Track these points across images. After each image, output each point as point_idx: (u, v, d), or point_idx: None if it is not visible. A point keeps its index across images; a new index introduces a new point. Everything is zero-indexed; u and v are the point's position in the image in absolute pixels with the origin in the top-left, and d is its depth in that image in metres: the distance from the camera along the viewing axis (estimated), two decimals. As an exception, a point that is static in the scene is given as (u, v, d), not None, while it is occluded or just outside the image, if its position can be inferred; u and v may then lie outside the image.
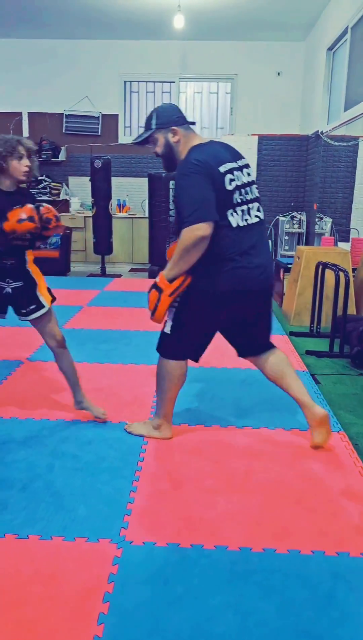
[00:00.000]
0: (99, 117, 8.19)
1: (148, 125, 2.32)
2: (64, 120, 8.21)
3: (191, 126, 2.36)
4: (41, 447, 2.42)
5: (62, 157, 8.32)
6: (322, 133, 6.54)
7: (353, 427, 2.73)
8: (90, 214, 7.67)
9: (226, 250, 2.20)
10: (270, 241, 7.67)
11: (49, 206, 2.38)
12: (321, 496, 2.10)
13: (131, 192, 8.38)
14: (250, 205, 2.27)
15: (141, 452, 2.39)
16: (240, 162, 2.29)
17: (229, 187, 2.18)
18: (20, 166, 2.34)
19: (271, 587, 1.61)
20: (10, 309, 2.60)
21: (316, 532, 1.87)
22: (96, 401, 2.93)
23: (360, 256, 5.13)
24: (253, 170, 8.01)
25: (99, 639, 1.40)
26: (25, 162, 2.35)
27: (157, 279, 2.25)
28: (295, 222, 7.47)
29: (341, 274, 3.95)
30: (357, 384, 3.38)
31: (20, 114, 8.29)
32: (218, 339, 2.57)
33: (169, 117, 2.28)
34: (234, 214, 2.20)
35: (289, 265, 5.34)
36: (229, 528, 1.88)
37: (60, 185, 8.42)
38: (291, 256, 6.39)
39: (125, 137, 8.22)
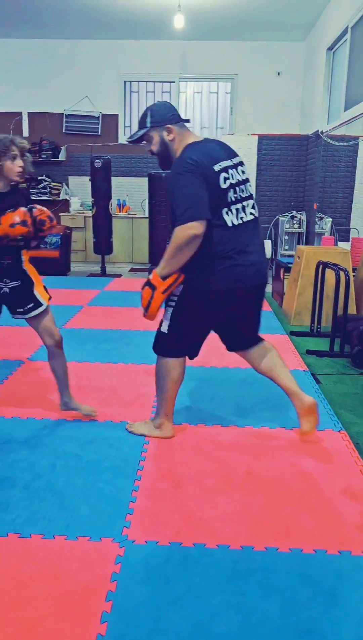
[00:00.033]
0: (99, 117, 8.19)
1: (142, 124, 2.33)
2: (64, 120, 8.21)
3: (188, 125, 2.37)
4: (43, 446, 2.43)
5: (62, 157, 8.32)
6: (322, 133, 6.55)
7: (353, 427, 2.73)
8: (90, 213, 7.68)
9: (223, 249, 2.22)
10: (270, 240, 7.67)
11: (42, 207, 2.36)
12: (322, 495, 2.10)
13: (131, 192, 8.38)
14: (245, 203, 2.29)
15: (143, 452, 2.40)
16: (235, 160, 2.30)
17: (223, 186, 2.20)
18: (14, 167, 2.32)
19: (273, 586, 1.61)
20: (4, 309, 2.59)
21: (317, 531, 1.87)
22: (97, 400, 2.94)
23: (360, 256, 5.13)
24: (253, 170, 7.96)
25: (102, 637, 1.40)
26: (19, 162, 2.33)
27: (150, 276, 2.26)
28: (295, 221, 7.47)
29: (341, 274, 3.96)
30: (358, 383, 3.38)
31: (20, 113, 8.29)
32: (215, 339, 2.58)
33: (164, 115, 2.29)
34: (229, 212, 2.22)
35: (289, 265, 5.35)
36: (231, 527, 1.88)
37: (60, 185, 8.42)
38: (292, 256, 6.40)
39: (125, 137, 8.21)
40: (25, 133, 8.33)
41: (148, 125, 2.30)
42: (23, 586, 1.58)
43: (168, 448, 2.45)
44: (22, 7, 6.73)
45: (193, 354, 2.48)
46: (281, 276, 5.57)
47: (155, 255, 7.23)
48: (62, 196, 8.38)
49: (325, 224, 6.92)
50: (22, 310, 2.52)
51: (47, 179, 8.32)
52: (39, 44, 8.02)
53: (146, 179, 7.67)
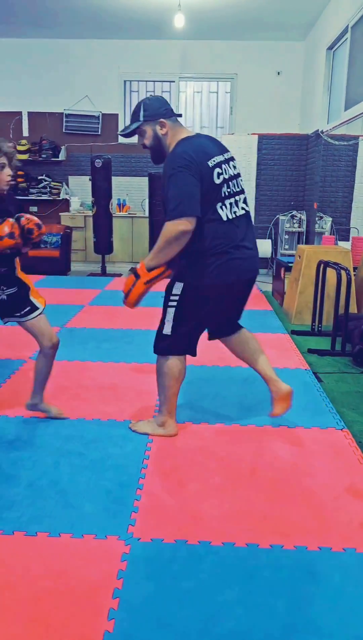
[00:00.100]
0: (99, 116, 8.19)
1: (135, 117, 2.34)
2: (64, 119, 8.21)
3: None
4: (46, 445, 2.43)
5: (62, 156, 8.32)
6: (322, 132, 6.56)
7: (356, 425, 2.74)
8: (90, 213, 7.68)
9: (220, 243, 2.25)
10: (270, 240, 7.68)
11: (30, 216, 2.33)
12: (326, 493, 2.11)
13: (131, 192, 8.39)
14: (237, 198, 2.33)
15: (146, 450, 2.40)
16: (226, 155, 2.33)
17: (217, 181, 2.23)
18: (3, 176, 2.30)
19: (279, 583, 1.62)
20: None
21: (322, 529, 1.88)
22: (100, 399, 2.95)
23: (360, 255, 5.14)
24: (253, 169, 7.98)
25: (109, 634, 1.41)
26: (8, 171, 2.30)
27: (137, 266, 2.30)
28: (295, 221, 7.48)
29: (343, 273, 3.97)
30: (359, 382, 3.39)
31: (20, 113, 8.29)
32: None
33: (157, 110, 2.31)
34: (223, 207, 2.25)
35: (290, 264, 5.36)
36: (235, 525, 1.89)
37: (60, 184, 8.42)
38: (292, 255, 6.41)
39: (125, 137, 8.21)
40: (25, 133, 8.33)
41: (141, 119, 2.31)
42: (30, 583, 1.59)
43: (171, 447, 2.45)
44: (23, 7, 6.73)
45: (193, 351, 2.50)
46: (282, 275, 5.58)
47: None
48: (62, 196, 8.38)
49: (325, 224, 6.94)
50: (19, 314, 2.51)
51: (47, 178, 8.32)
52: (39, 43, 8.02)
53: (146, 179, 7.69)
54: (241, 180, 2.40)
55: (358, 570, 1.68)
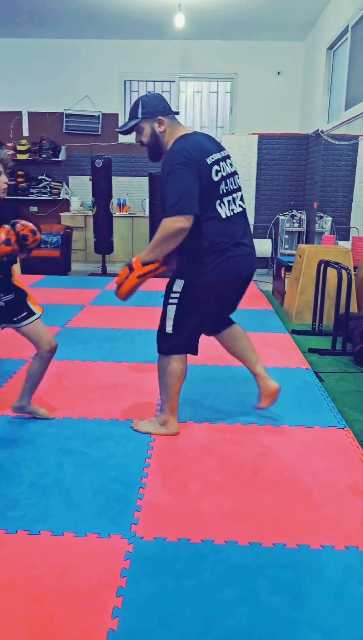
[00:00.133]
0: (99, 116, 8.20)
1: (133, 114, 2.35)
2: (64, 119, 8.21)
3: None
4: (49, 444, 2.43)
5: (62, 156, 8.33)
6: (322, 132, 6.56)
7: (357, 424, 2.75)
8: (90, 213, 7.69)
9: (221, 241, 2.28)
10: (270, 240, 7.69)
11: (25, 222, 2.31)
12: (328, 492, 2.11)
13: (131, 192, 8.39)
14: (234, 195, 2.36)
15: (149, 449, 2.41)
16: (223, 153, 2.36)
17: (215, 178, 2.25)
18: (0, 183, 2.31)
19: (282, 581, 1.62)
20: None
21: (324, 527, 1.89)
22: (102, 399, 2.96)
23: (360, 254, 5.15)
24: (253, 169, 7.99)
25: (114, 632, 1.41)
26: (4, 178, 2.30)
27: (133, 259, 2.33)
28: (295, 220, 7.48)
29: (343, 272, 3.97)
30: (360, 381, 3.40)
31: (20, 113, 8.30)
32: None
33: (156, 107, 2.32)
34: (222, 204, 2.28)
35: (290, 264, 5.36)
36: (238, 523, 1.89)
37: (60, 184, 8.42)
38: (292, 255, 6.41)
39: (125, 137, 8.20)
40: (26, 132, 8.34)
41: (140, 116, 2.32)
42: (34, 582, 1.59)
43: (173, 446, 2.46)
44: (23, 6, 6.74)
45: (195, 350, 2.51)
46: (282, 275, 5.58)
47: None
48: (62, 196, 8.39)
49: (325, 223, 6.94)
50: (16, 319, 2.49)
51: (47, 178, 8.33)
52: (39, 43, 8.02)
53: (146, 179, 7.69)
54: (238, 178, 2.43)
55: (361, 569, 1.68)
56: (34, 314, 2.52)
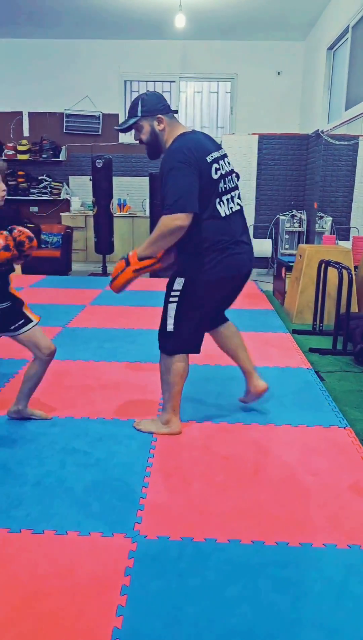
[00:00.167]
0: (99, 116, 8.20)
1: (133, 112, 2.36)
2: (65, 119, 8.22)
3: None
4: (52, 444, 2.44)
5: (62, 156, 8.33)
6: (322, 132, 6.57)
7: (359, 423, 2.75)
8: (91, 213, 7.69)
9: (221, 240, 2.31)
10: (270, 240, 7.70)
11: (21, 228, 2.32)
12: (330, 491, 2.12)
13: (131, 192, 8.40)
14: (233, 194, 2.39)
15: (151, 449, 2.42)
16: (221, 152, 2.39)
17: (215, 177, 2.28)
18: None
19: (285, 579, 1.63)
20: None
21: (327, 526, 1.90)
22: (104, 399, 2.97)
23: (361, 254, 5.16)
24: (253, 169, 7.98)
25: (118, 630, 1.42)
26: (2, 186, 2.32)
27: (130, 252, 2.35)
28: (295, 220, 7.49)
29: (344, 272, 3.98)
30: (361, 380, 3.41)
31: (20, 113, 8.30)
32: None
33: (155, 105, 2.34)
34: (221, 203, 2.31)
35: (290, 264, 5.37)
36: (241, 522, 1.90)
37: (60, 184, 8.43)
38: (292, 255, 6.42)
39: (125, 137, 8.23)
40: (26, 133, 8.35)
41: (139, 114, 2.34)
42: (39, 581, 1.60)
43: (175, 445, 2.47)
44: (23, 6, 6.75)
45: (198, 348, 2.53)
46: (283, 275, 5.59)
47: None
48: (62, 196, 8.39)
49: (325, 223, 6.95)
50: (13, 327, 2.48)
51: (47, 178, 8.33)
52: (39, 43, 8.03)
53: (146, 179, 7.70)
54: (236, 176, 2.46)
55: (363, 567, 1.70)
56: (31, 321, 2.51)
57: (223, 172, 2.33)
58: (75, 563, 1.68)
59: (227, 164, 2.39)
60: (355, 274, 4.78)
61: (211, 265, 2.31)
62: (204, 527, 1.87)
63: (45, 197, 8.35)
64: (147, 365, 3.49)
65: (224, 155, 2.40)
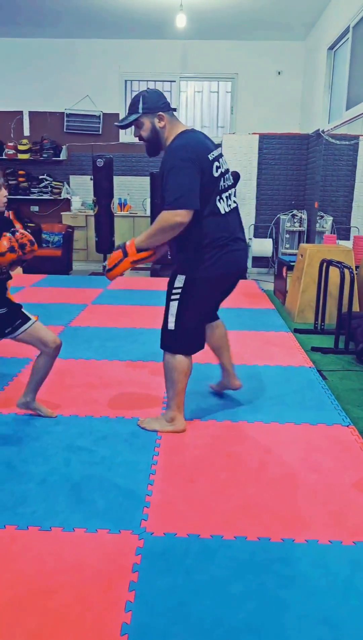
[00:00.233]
0: (100, 116, 8.21)
1: (134, 109, 2.37)
2: (65, 119, 8.22)
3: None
4: (57, 442, 2.45)
5: (63, 156, 8.34)
6: (322, 132, 6.59)
7: (362, 422, 2.77)
8: (91, 212, 7.70)
9: (221, 236, 2.34)
10: (271, 239, 7.71)
11: (23, 231, 2.34)
12: (334, 488, 2.14)
13: (132, 191, 8.41)
14: (230, 192, 2.43)
15: (156, 447, 2.43)
16: (219, 150, 2.42)
17: (216, 174, 2.32)
18: (0, 196, 2.32)
19: (291, 576, 1.64)
20: None
21: (332, 523, 1.91)
22: (107, 397, 2.98)
23: (362, 254, 5.17)
24: (254, 168, 8.02)
25: (127, 625, 1.43)
26: (3, 192, 2.33)
27: (128, 242, 2.37)
28: (296, 220, 7.51)
29: (346, 271, 4.00)
30: (363, 379, 3.42)
31: (21, 113, 8.31)
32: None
33: (156, 103, 2.36)
34: (221, 200, 2.34)
35: (292, 263, 5.38)
36: (246, 519, 1.91)
37: (61, 184, 8.44)
38: (293, 254, 6.44)
39: (126, 136, 8.24)
40: (27, 132, 8.35)
41: (140, 111, 2.35)
42: (47, 577, 1.61)
43: (180, 443, 2.48)
44: (23, 6, 6.75)
45: (201, 346, 2.54)
46: (284, 274, 5.60)
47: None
48: (63, 195, 8.40)
49: (326, 223, 6.97)
50: (11, 328, 2.49)
51: (48, 178, 8.34)
52: (40, 43, 8.03)
53: (147, 178, 7.71)
54: (235, 176, 2.52)
55: (369, 563, 1.71)
56: (29, 319, 2.52)
57: (223, 170, 2.38)
58: (83, 560, 1.69)
59: (224, 163, 2.44)
60: (356, 274, 4.79)
61: (212, 262, 2.34)
62: (210, 524, 1.88)
63: (46, 197, 8.36)
64: (149, 363, 3.50)
65: (222, 154, 2.44)
